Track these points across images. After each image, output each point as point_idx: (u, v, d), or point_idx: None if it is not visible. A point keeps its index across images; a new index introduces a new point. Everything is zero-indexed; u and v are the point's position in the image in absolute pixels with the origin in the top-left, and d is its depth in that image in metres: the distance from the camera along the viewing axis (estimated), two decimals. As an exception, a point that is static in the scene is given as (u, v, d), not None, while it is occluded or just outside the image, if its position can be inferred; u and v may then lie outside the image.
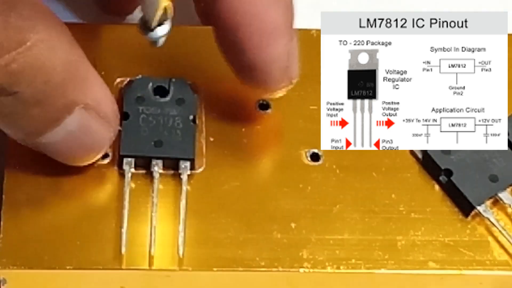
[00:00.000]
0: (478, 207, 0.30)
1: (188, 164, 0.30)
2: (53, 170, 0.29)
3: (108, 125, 0.28)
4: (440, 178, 0.31)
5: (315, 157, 0.31)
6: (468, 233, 0.30)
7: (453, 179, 0.30)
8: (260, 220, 0.30)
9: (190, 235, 0.29)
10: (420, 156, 0.31)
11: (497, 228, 0.30)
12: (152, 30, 0.28)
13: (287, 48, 0.29)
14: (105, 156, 0.30)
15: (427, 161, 0.31)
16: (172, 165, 0.30)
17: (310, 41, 0.32)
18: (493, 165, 0.31)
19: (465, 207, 0.30)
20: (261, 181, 0.30)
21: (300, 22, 0.34)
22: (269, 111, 0.32)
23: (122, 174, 0.30)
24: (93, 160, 0.29)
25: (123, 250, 0.28)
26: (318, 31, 0.30)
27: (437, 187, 0.31)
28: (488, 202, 0.30)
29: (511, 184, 0.31)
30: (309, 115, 0.31)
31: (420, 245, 0.30)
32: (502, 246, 0.30)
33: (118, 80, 0.31)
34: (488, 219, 0.30)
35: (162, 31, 0.28)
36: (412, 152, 0.31)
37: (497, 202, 0.31)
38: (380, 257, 0.29)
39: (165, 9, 0.28)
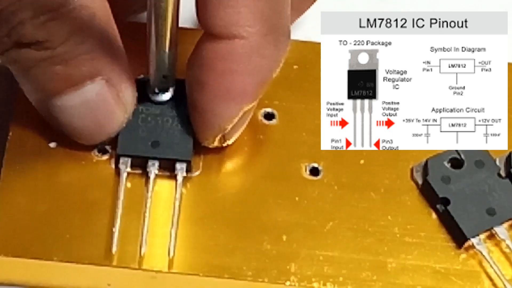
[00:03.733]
0: (472, 239, 0.30)
1: (184, 166, 0.30)
2: (51, 161, 0.30)
3: (124, 108, 0.29)
4: (437, 206, 0.31)
5: (314, 171, 0.31)
6: (460, 262, 0.30)
7: (450, 209, 0.30)
8: (252, 229, 0.30)
9: (180, 238, 0.29)
10: (420, 181, 0.31)
11: (489, 263, 0.30)
12: (156, 93, 0.30)
13: (238, 115, 0.29)
14: (104, 152, 0.30)
15: (426, 188, 0.31)
16: (168, 166, 0.30)
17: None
18: (492, 198, 0.31)
19: (459, 237, 0.30)
20: (257, 190, 0.30)
21: (300, 22, 0.35)
22: (273, 121, 0.32)
23: (119, 173, 0.30)
24: (98, 142, 0.30)
25: (114, 249, 0.28)
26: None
27: (433, 214, 0.31)
28: (483, 235, 0.30)
29: (508, 219, 0.30)
30: (313, 129, 0.31)
31: (410, 269, 0.30)
32: (492, 280, 0.30)
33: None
34: (481, 253, 0.30)
35: (165, 97, 0.30)
36: (412, 177, 0.31)
37: (492, 236, 0.30)
38: (368, 278, 0.29)
39: (167, 78, 0.29)
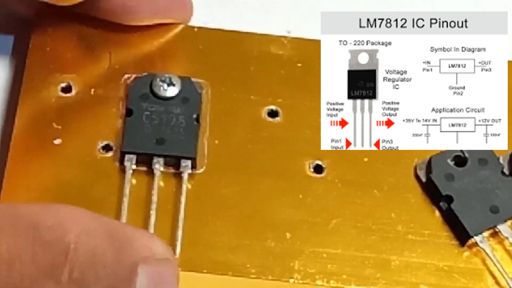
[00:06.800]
0: (475, 237, 0.30)
1: (189, 163, 0.30)
2: (56, 158, 0.30)
3: (170, 262, 0.26)
4: (441, 203, 0.31)
5: (318, 169, 0.31)
6: (463, 260, 0.30)
7: (453, 206, 0.30)
8: (256, 226, 0.30)
9: (184, 235, 0.29)
10: (423, 179, 0.31)
11: (492, 261, 0.30)
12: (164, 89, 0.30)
13: None
14: (109, 149, 0.30)
15: (430, 186, 0.31)
16: (173, 163, 0.30)
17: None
18: (495, 196, 0.31)
19: (462, 235, 0.30)
20: (262, 188, 0.30)
21: (300, 22, 0.35)
22: (277, 119, 0.32)
23: (123, 170, 0.30)
24: None
25: None
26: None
27: (437, 212, 0.31)
28: (487, 233, 0.30)
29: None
30: (317, 127, 0.31)
31: (414, 267, 0.30)
32: (495, 277, 0.30)
33: (126, 76, 0.32)
34: (484, 250, 0.30)
35: (169, 93, 0.31)
36: (416, 175, 0.31)
37: (496, 234, 0.30)
38: (371, 275, 0.29)
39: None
